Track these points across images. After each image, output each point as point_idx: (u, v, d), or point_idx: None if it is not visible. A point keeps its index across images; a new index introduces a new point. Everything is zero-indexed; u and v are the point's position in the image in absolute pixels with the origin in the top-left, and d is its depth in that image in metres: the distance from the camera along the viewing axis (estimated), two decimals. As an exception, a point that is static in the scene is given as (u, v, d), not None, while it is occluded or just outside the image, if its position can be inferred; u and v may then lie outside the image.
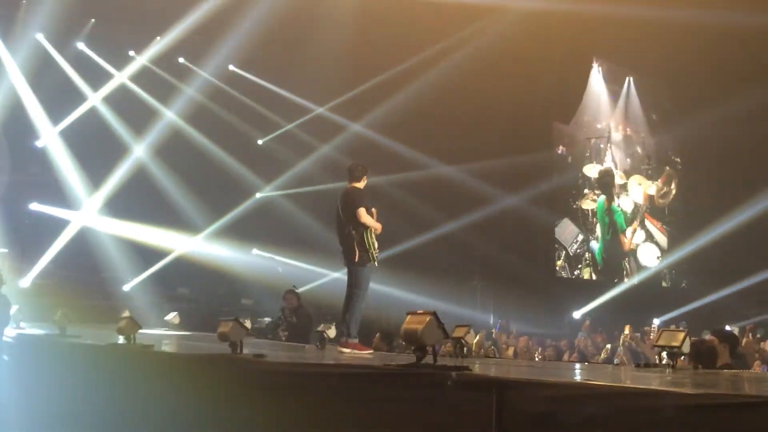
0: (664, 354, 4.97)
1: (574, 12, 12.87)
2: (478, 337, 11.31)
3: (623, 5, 12.47)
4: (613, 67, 17.61)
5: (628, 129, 18.07)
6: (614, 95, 17.80)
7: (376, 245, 6.56)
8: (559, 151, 17.15)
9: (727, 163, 15.92)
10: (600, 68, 17.49)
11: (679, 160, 18.10)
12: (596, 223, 16.92)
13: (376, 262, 6.57)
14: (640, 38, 14.62)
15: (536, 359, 10.14)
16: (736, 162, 15.76)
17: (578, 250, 16.72)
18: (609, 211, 16.84)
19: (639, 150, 18.08)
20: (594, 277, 16.84)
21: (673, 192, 17.66)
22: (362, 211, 6.49)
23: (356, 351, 6.30)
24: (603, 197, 16.89)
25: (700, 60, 14.60)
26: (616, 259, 16.90)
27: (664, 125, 17.94)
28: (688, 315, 13.85)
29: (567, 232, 16.66)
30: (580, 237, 16.74)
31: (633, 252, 17.02)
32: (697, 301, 14.57)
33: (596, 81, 17.59)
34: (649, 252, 17.09)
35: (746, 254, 14.71)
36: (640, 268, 17.00)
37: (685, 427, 2.32)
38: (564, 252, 16.60)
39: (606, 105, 17.74)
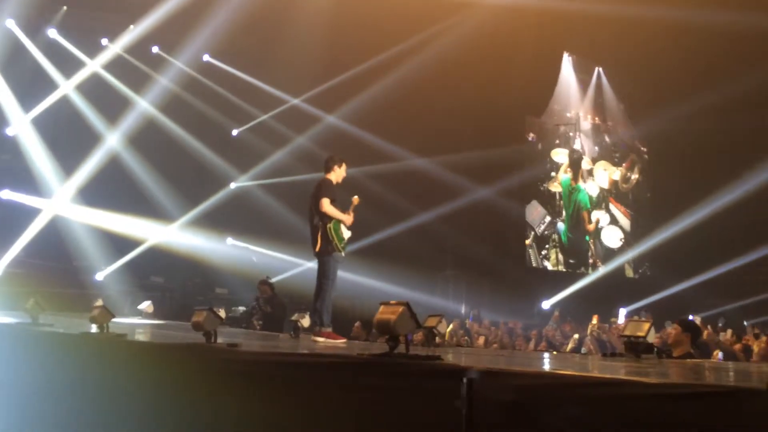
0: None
1: (546, 8, 13.05)
2: (451, 326, 11.48)
3: (593, 1, 12.64)
4: (583, 58, 17.84)
5: (596, 118, 18.40)
6: (583, 85, 18.06)
7: (344, 235, 6.59)
8: (530, 138, 17.45)
9: (694, 155, 16.26)
10: (570, 58, 17.74)
11: (645, 150, 18.48)
12: (562, 204, 17.26)
13: (342, 252, 6.62)
14: (610, 33, 14.87)
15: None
16: (702, 155, 16.10)
17: (546, 232, 17.14)
18: (573, 189, 17.24)
19: (607, 139, 18.48)
20: (561, 257, 17.18)
21: (636, 177, 18.19)
22: (325, 201, 6.52)
23: (330, 340, 6.36)
24: (568, 176, 17.27)
25: (668, 54, 14.88)
26: (580, 239, 17.35)
27: (632, 116, 18.26)
28: (653, 305, 14.17)
29: (535, 213, 17.10)
30: (548, 219, 17.17)
31: (597, 233, 17.43)
32: (662, 292, 14.91)
33: (566, 70, 17.84)
34: (612, 234, 17.61)
35: (710, 246, 15.08)
36: (604, 248, 17.45)
37: (650, 415, 2.42)
38: (533, 233, 16.92)
39: (576, 94, 18.03)
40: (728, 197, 14.59)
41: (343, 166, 6.94)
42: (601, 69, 18.01)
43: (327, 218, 6.52)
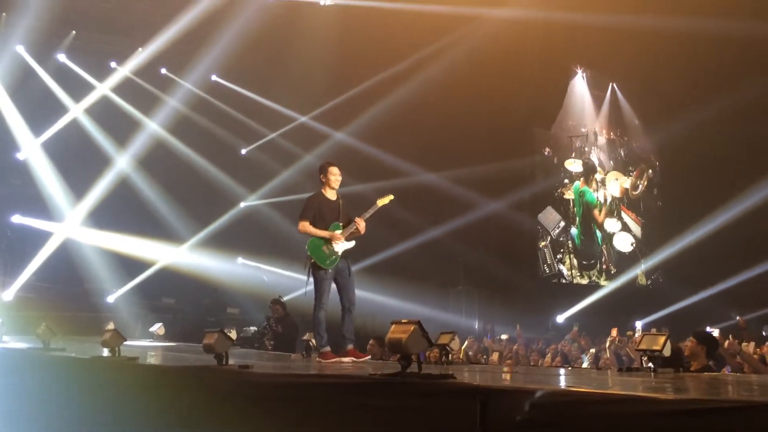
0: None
1: (551, 20, 13.07)
2: (466, 343, 11.38)
3: (599, 14, 12.64)
4: (597, 73, 17.91)
5: (611, 133, 18.55)
6: (597, 101, 18.21)
7: (327, 251, 6.43)
8: (546, 153, 17.60)
9: (706, 165, 16.13)
10: (584, 74, 17.90)
11: (657, 159, 18.53)
12: (575, 211, 17.51)
13: (324, 270, 6.43)
14: (617, 45, 14.85)
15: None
16: (715, 164, 15.97)
17: (560, 238, 17.30)
18: (583, 193, 17.68)
19: (621, 152, 18.63)
20: (575, 261, 17.25)
21: (644, 185, 18.41)
22: (300, 225, 6.51)
23: (328, 361, 6.24)
24: (578, 182, 17.55)
25: (679, 64, 14.83)
26: (592, 242, 17.56)
27: (644, 126, 18.28)
28: (669, 317, 14.00)
29: (550, 218, 17.29)
30: (562, 224, 17.34)
31: (609, 238, 17.66)
32: (678, 303, 14.74)
33: (580, 86, 18.01)
34: (624, 240, 17.85)
35: (724, 255, 14.90)
36: (616, 253, 17.68)
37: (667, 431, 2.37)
38: (548, 236, 17.11)
39: (590, 110, 18.21)
40: (742, 206, 14.44)
41: (330, 170, 6.70)
42: (615, 84, 18.07)
43: (306, 236, 6.47)
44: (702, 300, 14.73)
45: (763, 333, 11.48)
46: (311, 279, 6.47)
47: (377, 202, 6.69)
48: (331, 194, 6.70)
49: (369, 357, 6.56)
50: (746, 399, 2.64)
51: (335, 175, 6.68)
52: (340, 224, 6.58)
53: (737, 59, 14.32)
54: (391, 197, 6.77)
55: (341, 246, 6.51)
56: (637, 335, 11.17)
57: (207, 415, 4.08)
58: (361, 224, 6.57)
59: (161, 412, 4.36)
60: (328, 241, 6.44)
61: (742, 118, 14.18)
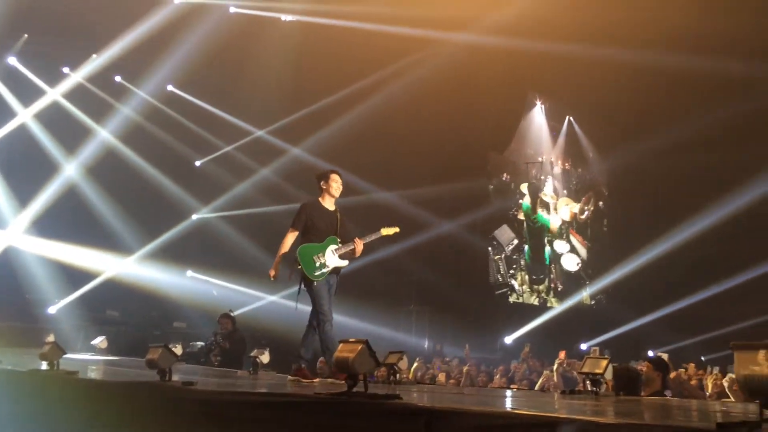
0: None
1: (510, 47, 13.35)
2: (416, 364, 11.42)
3: (555, 43, 12.99)
4: (554, 105, 18.53)
5: (566, 163, 19.30)
6: (555, 131, 18.96)
7: (317, 263, 6.15)
8: (504, 178, 18.11)
9: (652, 192, 16.68)
10: (542, 106, 18.58)
11: (605, 187, 19.18)
12: (525, 228, 18.12)
13: (314, 281, 6.13)
14: (573, 76, 15.26)
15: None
16: (660, 192, 16.52)
17: (514, 255, 17.76)
18: (534, 219, 18.21)
19: (574, 182, 19.39)
20: (526, 277, 17.71)
21: (591, 210, 19.13)
22: (289, 231, 6.33)
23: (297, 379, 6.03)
24: (528, 203, 18.15)
25: (629, 95, 15.32)
26: (541, 261, 18.07)
27: (598, 159, 18.95)
28: (613, 340, 14.32)
29: (505, 235, 17.73)
30: (516, 242, 17.80)
31: (557, 258, 18.29)
32: (622, 327, 15.10)
33: (538, 117, 18.71)
34: (570, 260, 18.51)
35: (667, 281, 15.37)
36: (564, 272, 18.30)
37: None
38: (503, 252, 17.55)
39: (547, 139, 18.90)
40: (684, 234, 14.96)
41: (333, 177, 6.45)
42: (571, 117, 18.78)
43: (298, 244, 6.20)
44: (645, 324, 15.14)
45: (702, 359, 11.84)
46: (303, 289, 6.18)
47: (381, 230, 6.48)
48: (329, 203, 6.44)
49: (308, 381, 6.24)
50: (680, 424, 2.72)
51: (337, 183, 6.44)
52: (338, 240, 6.31)
53: (682, 92, 14.88)
54: (397, 230, 6.58)
55: (334, 261, 6.23)
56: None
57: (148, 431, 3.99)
58: (359, 246, 6.32)
59: (100, 429, 4.25)
60: (322, 252, 6.17)
61: (685, 148, 14.72)
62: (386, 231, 6.49)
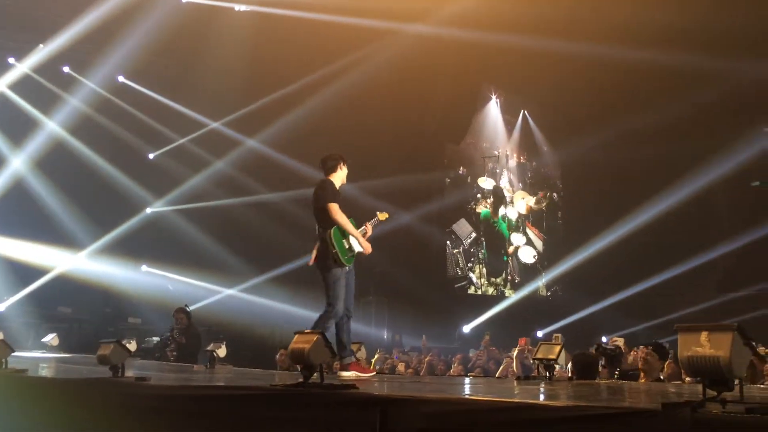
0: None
1: (464, 39, 13.45)
2: (377, 356, 11.46)
3: (510, 34, 13.11)
4: (509, 99, 18.75)
5: (521, 157, 19.59)
6: (510, 125, 19.17)
7: (346, 245, 5.67)
8: (460, 172, 18.31)
9: (603, 184, 17.05)
10: (498, 100, 18.77)
11: (559, 179, 19.53)
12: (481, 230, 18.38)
13: (346, 266, 5.68)
14: (527, 68, 15.45)
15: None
16: (610, 183, 16.90)
17: (471, 249, 18.00)
18: (494, 222, 18.40)
19: (529, 175, 19.68)
20: (483, 270, 17.96)
21: (546, 203, 19.45)
22: (333, 207, 5.60)
23: (359, 373, 5.50)
24: (487, 210, 18.33)
25: (582, 88, 15.59)
26: (499, 258, 18.34)
27: (551, 152, 19.27)
28: (567, 327, 14.63)
29: (463, 229, 17.99)
30: (473, 235, 18.06)
31: (515, 251, 18.55)
32: (576, 314, 15.45)
33: (494, 111, 18.90)
34: (527, 252, 18.79)
35: (619, 269, 15.77)
36: (521, 264, 18.61)
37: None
38: (461, 245, 17.79)
39: (502, 133, 19.14)
40: (635, 223, 15.37)
41: (345, 167, 5.97)
42: (526, 111, 19.06)
43: (329, 224, 5.63)
44: (598, 311, 15.50)
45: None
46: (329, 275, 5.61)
47: (378, 215, 6.23)
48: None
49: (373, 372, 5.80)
50: (628, 405, 2.81)
51: (345, 172, 6.00)
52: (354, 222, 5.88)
53: (631, 85, 15.24)
54: (387, 215, 6.30)
55: (356, 245, 5.78)
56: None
57: (102, 429, 3.93)
58: (370, 230, 5.99)
59: (51, 427, 4.17)
60: (347, 236, 5.71)
61: (635, 140, 15.09)
62: (382, 216, 6.26)
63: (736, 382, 2.36)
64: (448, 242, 17.55)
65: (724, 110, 14.55)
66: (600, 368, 6.32)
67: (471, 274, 17.81)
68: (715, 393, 2.36)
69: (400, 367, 10.81)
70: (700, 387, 2.47)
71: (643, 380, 5.91)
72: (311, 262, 5.75)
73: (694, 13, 12.51)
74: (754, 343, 2.45)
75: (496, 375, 9.79)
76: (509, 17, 12.83)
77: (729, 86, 13.33)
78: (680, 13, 12.65)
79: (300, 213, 14.28)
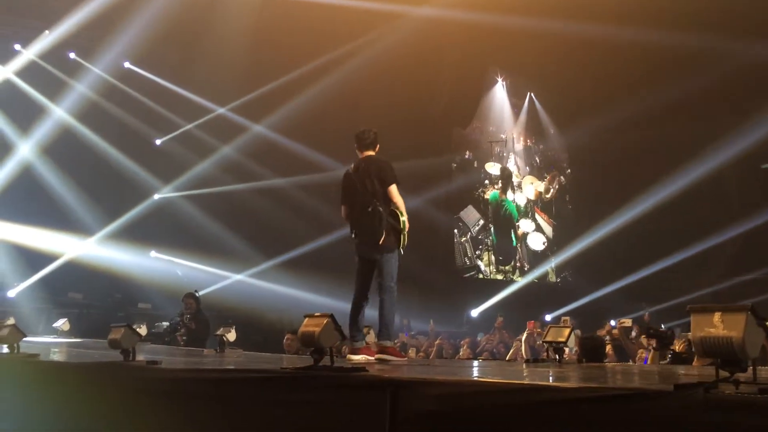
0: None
1: (471, 22, 13.34)
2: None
3: (516, 16, 13.00)
4: (516, 82, 18.60)
5: (528, 140, 19.47)
6: (516, 108, 19.05)
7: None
8: (467, 156, 18.22)
9: (612, 167, 16.97)
10: (504, 83, 18.63)
11: (567, 164, 19.43)
12: (491, 215, 18.30)
13: (402, 250, 5.53)
14: (534, 51, 15.32)
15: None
16: (619, 166, 16.81)
17: (479, 236, 17.95)
18: (501, 202, 18.38)
19: (537, 159, 19.59)
20: (492, 258, 17.93)
21: (556, 189, 19.34)
22: (395, 189, 5.51)
23: (396, 357, 5.50)
24: (497, 191, 18.26)
25: (590, 70, 15.47)
26: (508, 243, 18.29)
27: (559, 136, 19.12)
28: (577, 311, 14.63)
29: (471, 216, 17.98)
30: (481, 222, 18.02)
31: (524, 238, 18.53)
32: (584, 298, 15.44)
33: (500, 94, 18.78)
34: (536, 239, 18.76)
35: (627, 253, 15.73)
36: (530, 251, 18.55)
37: (563, 418, 2.49)
38: (469, 233, 17.78)
39: (509, 117, 19.02)
40: (643, 206, 15.30)
41: None
42: (532, 93, 18.87)
43: (391, 204, 5.50)
44: (606, 294, 15.49)
45: (662, 326, 12.15)
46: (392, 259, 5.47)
47: None
48: None
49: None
50: (640, 386, 2.80)
51: None
52: None
53: (643, 67, 15.09)
54: None
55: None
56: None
57: (114, 412, 3.95)
58: None
59: (63, 411, 4.20)
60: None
61: (644, 122, 14.99)
62: None
63: (751, 363, 2.34)
64: (455, 230, 17.49)
65: (732, 92, 14.44)
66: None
67: (479, 262, 17.75)
68: (728, 374, 2.35)
69: (411, 352, 10.85)
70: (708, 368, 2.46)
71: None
72: (381, 243, 5.43)
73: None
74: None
75: (506, 358, 9.81)
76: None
77: (738, 67, 13.20)
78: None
79: (308, 198, 14.33)
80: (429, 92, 15.48)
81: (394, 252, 5.51)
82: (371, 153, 5.77)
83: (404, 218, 5.50)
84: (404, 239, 5.49)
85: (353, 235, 5.67)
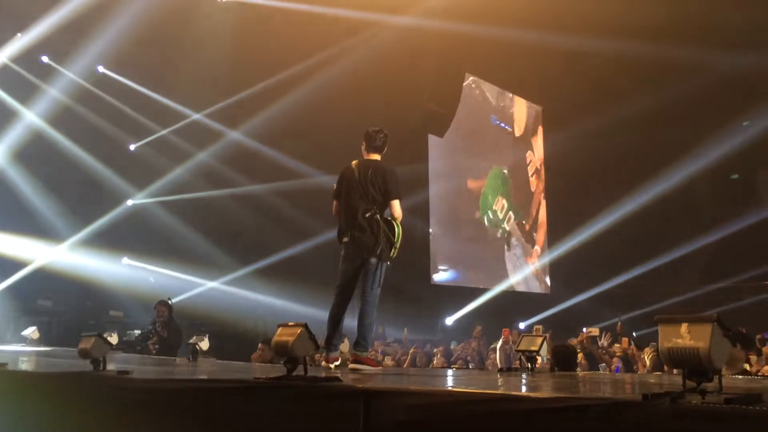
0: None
1: (448, 31, 13.44)
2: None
3: (491, 25, 13.13)
4: (493, 91, 18.76)
5: None
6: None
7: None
8: (444, 165, 18.20)
9: (587, 175, 17.18)
10: (480, 92, 18.71)
11: (544, 175, 19.63)
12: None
13: (389, 262, 5.55)
14: (512, 59, 15.48)
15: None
16: (595, 175, 17.03)
17: None
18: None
19: None
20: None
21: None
22: (398, 204, 5.56)
23: (371, 367, 5.47)
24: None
25: (566, 81, 15.68)
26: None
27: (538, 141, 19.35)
28: (550, 319, 14.76)
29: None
30: None
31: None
32: (559, 305, 15.58)
33: (477, 102, 18.78)
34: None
35: (601, 261, 15.91)
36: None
37: (535, 428, 2.51)
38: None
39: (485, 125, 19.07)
40: (617, 214, 15.51)
41: None
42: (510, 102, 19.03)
43: (390, 217, 5.53)
44: (582, 302, 15.65)
45: (633, 334, 12.32)
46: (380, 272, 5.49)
47: None
48: None
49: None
50: (608, 396, 2.83)
51: None
52: None
53: (616, 75, 15.33)
54: None
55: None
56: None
57: (83, 423, 3.90)
58: None
59: (31, 422, 4.13)
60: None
61: (618, 130, 15.20)
62: None
63: (724, 372, 2.39)
64: (431, 238, 17.58)
65: (705, 102, 14.72)
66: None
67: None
68: (695, 384, 2.39)
69: (387, 360, 10.85)
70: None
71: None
72: (377, 252, 5.47)
73: (680, 4, 12.62)
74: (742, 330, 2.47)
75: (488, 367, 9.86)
76: (491, 8, 12.84)
77: (711, 79, 13.47)
78: (665, 4, 12.75)
79: (283, 205, 14.26)
80: (406, 100, 15.53)
81: (384, 262, 5.51)
82: (378, 157, 5.72)
83: (399, 230, 5.53)
84: (395, 251, 5.53)
85: (345, 237, 5.60)
